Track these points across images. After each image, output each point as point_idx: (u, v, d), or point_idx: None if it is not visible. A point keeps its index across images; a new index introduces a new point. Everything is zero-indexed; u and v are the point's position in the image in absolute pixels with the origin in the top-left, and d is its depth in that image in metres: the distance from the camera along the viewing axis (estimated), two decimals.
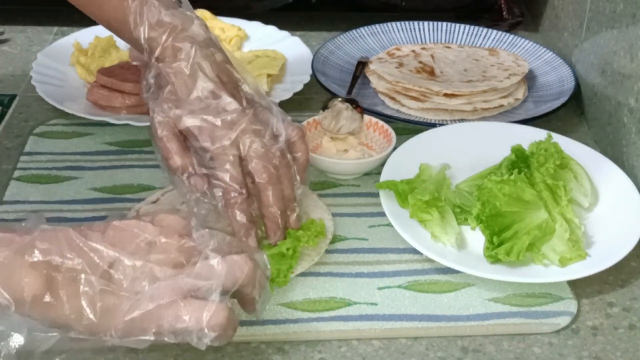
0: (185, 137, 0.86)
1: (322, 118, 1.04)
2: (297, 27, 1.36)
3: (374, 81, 1.19)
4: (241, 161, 0.84)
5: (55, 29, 1.38)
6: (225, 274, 0.68)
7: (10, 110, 1.15)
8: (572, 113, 1.17)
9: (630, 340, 0.80)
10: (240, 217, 0.84)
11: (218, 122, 0.84)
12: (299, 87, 1.16)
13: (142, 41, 0.86)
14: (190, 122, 0.84)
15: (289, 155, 0.88)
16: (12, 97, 1.18)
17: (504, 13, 1.42)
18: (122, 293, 0.65)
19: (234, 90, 0.88)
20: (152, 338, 0.66)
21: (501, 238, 0.85)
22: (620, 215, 0.91)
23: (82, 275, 0.65)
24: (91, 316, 0.64)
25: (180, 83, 0.86)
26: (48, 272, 0.64)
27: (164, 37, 0.86)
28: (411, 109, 1.13)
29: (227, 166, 0.83)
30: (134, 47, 0.89)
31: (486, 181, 0.88)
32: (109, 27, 0.93)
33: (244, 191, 0.84)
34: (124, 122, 1.07)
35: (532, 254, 0.85)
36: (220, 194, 0.84)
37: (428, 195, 0.89)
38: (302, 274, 0.85)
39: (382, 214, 0.91)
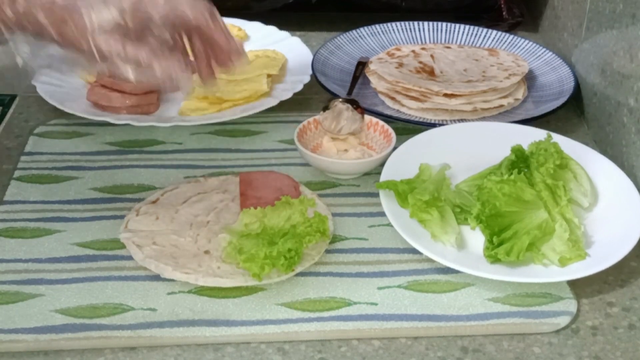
0: None
1: (323, 119, 1.04)
2: (297, 27, 1.36)
3: (374, 81, 1.19)
4: None
5: None
6: None
7: (11, 111, 1.15)
8: (572, 113, 1.17)
9: (630, 340, 0.80)
10: None
11: None
12: (299, 87, 1.16)
13: None
14: None
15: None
16: (13, 97, 1.18)
17: (504, 13, 1.42)
18: None
19: None
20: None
21: (501, 238, 0.85)
22: (620, 215, 0.91)
23: None
24: None
25: None
26: None
27: None
28: (411, 109, 1.13)
29: None
30: None
31: (486, 181, 0.88)
32: None
33: None
34: (124, 122, 1.07)
35: (532, 253, 0.85)
36: None
37: (428, 195, 0.89)
38: (302, 274, 0.85)
39: (382, 214, 0.91)
